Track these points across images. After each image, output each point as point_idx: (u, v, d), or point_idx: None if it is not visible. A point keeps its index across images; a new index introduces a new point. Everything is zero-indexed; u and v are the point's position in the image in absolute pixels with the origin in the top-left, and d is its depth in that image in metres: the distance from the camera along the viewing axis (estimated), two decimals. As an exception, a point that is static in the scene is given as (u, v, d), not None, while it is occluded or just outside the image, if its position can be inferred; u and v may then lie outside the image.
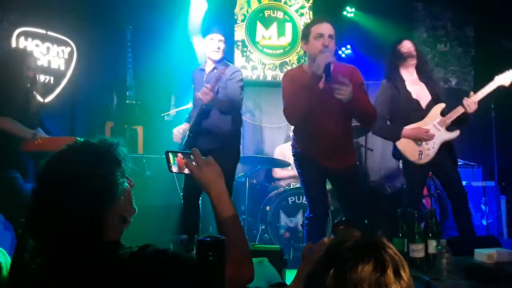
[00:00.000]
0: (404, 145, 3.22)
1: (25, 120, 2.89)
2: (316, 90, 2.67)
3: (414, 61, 3.26)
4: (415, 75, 3.30)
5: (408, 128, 3.20)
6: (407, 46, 3.28)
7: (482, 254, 2.16)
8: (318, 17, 2.97)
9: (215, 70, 3.16)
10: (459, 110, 3.15)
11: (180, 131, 3.33)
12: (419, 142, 3.19)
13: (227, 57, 3.39)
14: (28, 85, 2.97)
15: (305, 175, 2.92)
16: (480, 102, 3.15)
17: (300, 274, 1.22)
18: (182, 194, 3.33)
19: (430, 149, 3.19)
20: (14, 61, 2.94)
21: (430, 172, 3.50)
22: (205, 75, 3.29)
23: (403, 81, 3.26)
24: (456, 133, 3.21)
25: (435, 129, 3.19)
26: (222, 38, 3.22)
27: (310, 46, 2.76)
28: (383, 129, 3.26)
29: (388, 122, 3.32)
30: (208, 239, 0.79)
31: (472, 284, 1.91)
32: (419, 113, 3.23)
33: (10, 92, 2.83)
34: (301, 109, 2.69)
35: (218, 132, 3.20)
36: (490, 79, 3.20)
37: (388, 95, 3.24)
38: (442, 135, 3.20)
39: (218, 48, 3.20)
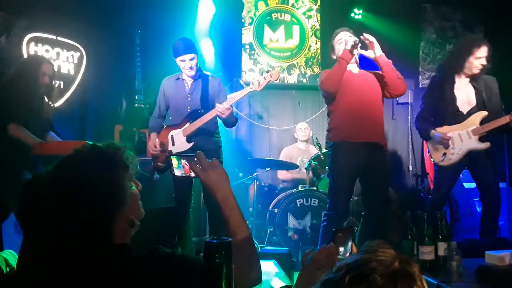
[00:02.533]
0: (433, 144, 3.29)
1: (38, 125, 2.95)
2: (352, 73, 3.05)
3: (476, 67, 3.19)
4: (466, 79, 3.26)
5: (435, 131, 3.24)
6: (485, 52, 3.17)
7: (493, 257, 2.13)
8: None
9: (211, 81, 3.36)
10: (499, 121, 3.11)
11: (157, 145, 3.33)
12: (442, 146, 3.21)
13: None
14: (43, 92, 3.03)
15: (338, 169, 2.98)
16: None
17: (300, 280, 1.21)
18: (174, 196, 3.36)
19: (455, 154, 3.19)
20: (30, 68, 3.00)
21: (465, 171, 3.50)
22: (186, 85, 3.38)
23: (454, 83, 3.24)
24: (485, 145, 3.16)
25: (466, 136, 3.17)
26: (192, 55, 3.27)
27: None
28: (420, 127, 3.38)
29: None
30: (215, 240, 0.79)
31: (483, 287, 1.89)
32: (459, 117, 3.22)
33: (26, 98, 2.90)
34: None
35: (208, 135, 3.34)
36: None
37: (432, 94, 3.29)
38: (471, 143, 3.17)
39: (191, 67, 3.28)
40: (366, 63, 3.24)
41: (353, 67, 3.11)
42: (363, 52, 3.04)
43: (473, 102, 3.21)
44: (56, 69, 4.23)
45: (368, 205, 3.22)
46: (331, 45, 3.21)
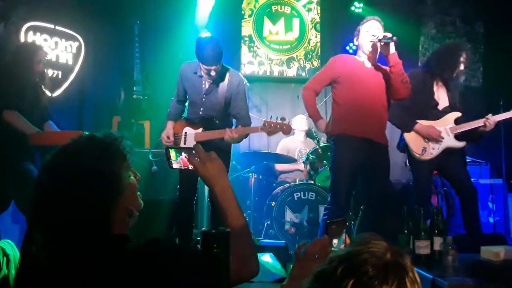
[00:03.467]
0: (411, 138, 3.27)
1: (34, 113, 2.94)
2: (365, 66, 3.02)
3: (457, 72, 3.27)
4: (442, 80, 3.32)
5: (422, 124, 3.24)
6: (465, 58, 3.27)
7: (489, 252, 2.15)
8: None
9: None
10: (474, 124, 3.22)
11: (170, 136, 3.28)
12: (426, 140, 3.24)
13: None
14: (38, 79, 3.01)
15: (340, 163, 2.97)
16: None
17: (293, 273, 1.21)
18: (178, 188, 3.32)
19: (435, 149, 3.24)
20: (25, 55, 2.98)
21: (436, 171, 3.50)
22: (203, 84, 3.24)
23: (433, 80, 3.29)
24: (462, 144, 3.26)
25: (445, 133, 3.24)
26: (218, 66, 3.11)
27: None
28: (397, 116, 3.26)
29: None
30: (213, 231, 0.80)
31: (478, 282, 1.90)
32: (435, 113, 3.28)
33: (20, 85, 2.88)
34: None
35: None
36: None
37: (414, 86, 3.20)
38: (448, 141, 3.24)
39: (213, 75, 3.12)
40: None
41: (366, 60, 3.04)
42: (382, 49, 2.96)
43: (446, 101, 3.31)
44: (54, 58, 4.22)
45: (367, 201, 3.22)
46: (358, 29, 3.07)
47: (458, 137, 3.25)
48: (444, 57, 3.29)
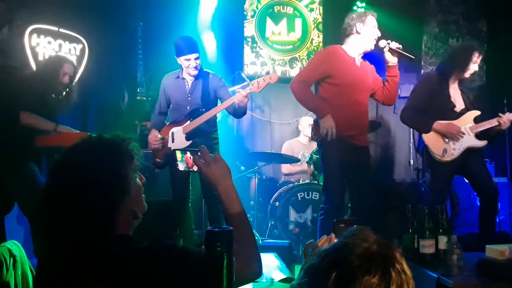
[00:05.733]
0: (431, 139, 3.21)
1: (50, 119, 3.01)
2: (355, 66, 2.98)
3: (469, 73, 3.25)
4: (455, 82, 3.31)
5: (440, 122, 3.20)
6: (478, 58, 3.24)
7: (494, 251, 2.14)
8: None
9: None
10: (492, 122, 3.19)
11: (157, 137, 3.34)
12: (446, 140, 3.20)
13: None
14: (61, 90, 3.13)
15: (329, 162, 2.97)
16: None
17: None
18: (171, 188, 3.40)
19: (456, 149, 3.20)
20: (52, 66, 3.13)
21: (457, 174, 3.44)
22: (187, 84, 3.39)
23: (448, 83, 3.27)
24: (483, 142, 3.22)
25: (466, 133, 3.20)
26: (197, 54, 3.29)
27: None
28: (415, 118, 3.25)
29: None
30: (217, 229, 0.80)
31: (483, 281, 1.90)
32: (452, 115, 3.25)
33: (42, 93, 3.00)
34: None
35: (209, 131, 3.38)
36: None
37: (429, 89, 3.24)
38: (470, 141, 3.20)
39: (196, 66, 3.29)
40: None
41: (357, 58, 3.01)
42: (387, 56, 2.95)
43: (462, 103, 3.29)
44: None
45: (353, 201, 3.22)
46: (361, 19, 2.96)
47: (478, 136, 3.21)
48: (457, 57, 3.27)
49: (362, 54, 3.02)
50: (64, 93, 3.16)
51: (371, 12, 3.04)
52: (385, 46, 2.91)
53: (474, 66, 3.21)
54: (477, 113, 3.25)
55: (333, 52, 3.02)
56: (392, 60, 2.94)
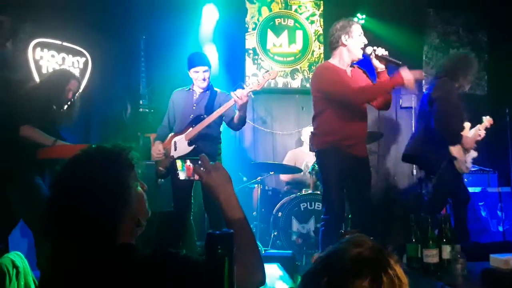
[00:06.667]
0: (458, 152, 3.22)
1: (51, 133, 2.99)
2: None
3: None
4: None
5: (465, 135, 3.25)
6: (473, 68, 3.35)
7: (498, 260, 2.12)
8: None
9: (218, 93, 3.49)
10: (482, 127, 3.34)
11: (160, 149, 3.40)
12: (465, 152, 3.24)
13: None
14: (63, 105, 3.13)
15: (328, 173, 2.94)
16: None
17: None
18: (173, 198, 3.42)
19: (467, 161, 3.25)
20: (57, 80, 3.12)
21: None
22: (194, 95, 3.46)
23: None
24: (476, 154, 3.33)
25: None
26: (206, 67, 3.38)
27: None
28: (457, 129, 3.22)
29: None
30: (217, 232, 0.81)
31: (487, 290, 1.89)
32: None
33: (44, 107, 2.98)
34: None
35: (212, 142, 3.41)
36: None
37: (452, 98, 3.22)
38: (475, 152, 3.31)
39: (204, 78, 3.39)
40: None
41: (347, 69, 2.98)
42: (375, 62, 2.90)
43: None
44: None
45: (353, 212, 3.16)
46: (345, 29, 2.92)
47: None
48: (455, 65, 3.31)
49: (350, 64, 2.99)
50: (65, 106, 3.16)
51: (355, 21, 3.02)
52: (371, 53, 2.87)
53: (472, 78, 3.29)
54: (469, 124, 3.34)
55: (327, 69, 3.00)
56: (379, 66, 2.89)
